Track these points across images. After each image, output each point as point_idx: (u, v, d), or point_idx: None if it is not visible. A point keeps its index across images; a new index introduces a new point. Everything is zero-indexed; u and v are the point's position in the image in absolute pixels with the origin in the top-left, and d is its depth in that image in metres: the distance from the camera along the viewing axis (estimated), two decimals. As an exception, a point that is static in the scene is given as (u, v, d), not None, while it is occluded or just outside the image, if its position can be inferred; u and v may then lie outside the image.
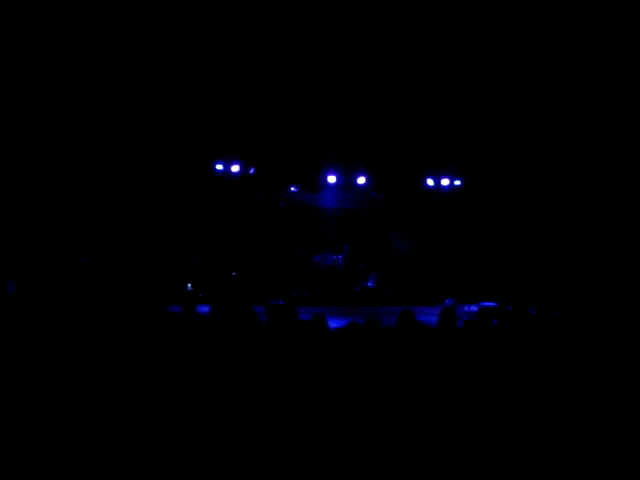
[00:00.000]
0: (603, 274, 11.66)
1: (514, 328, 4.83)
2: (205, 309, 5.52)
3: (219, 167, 13.33)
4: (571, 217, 13.06)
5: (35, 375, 3.76)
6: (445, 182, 14.25)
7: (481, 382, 3.77)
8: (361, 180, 14.15)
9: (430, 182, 14.27)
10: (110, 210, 12.51)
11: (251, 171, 13.68)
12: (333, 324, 4.49)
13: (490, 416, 3.52)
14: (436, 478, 3.23)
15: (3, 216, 11.22)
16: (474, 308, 9.87)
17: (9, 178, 11.41)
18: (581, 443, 3.35)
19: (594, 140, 12.57)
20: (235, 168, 13.37)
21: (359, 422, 3.42)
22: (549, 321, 5.19)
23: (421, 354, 4.10)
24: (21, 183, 11.59)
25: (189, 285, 12.44)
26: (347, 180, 14.17)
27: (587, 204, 12.89)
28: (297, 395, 3.55)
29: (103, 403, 3.55)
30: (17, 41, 10.74)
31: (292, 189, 14.38)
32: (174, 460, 3.24)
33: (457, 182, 14.36)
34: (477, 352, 4.19)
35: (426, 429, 3.43)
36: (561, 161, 13.01)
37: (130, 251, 12.53)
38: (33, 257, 11.06)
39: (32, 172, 11.69)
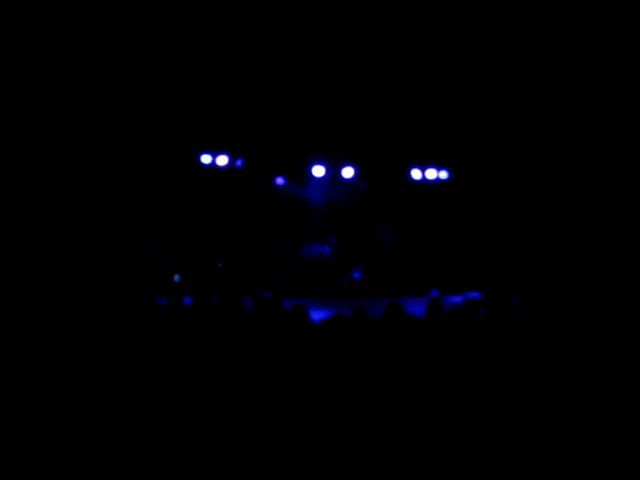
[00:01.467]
0: (588, 264, 11.78)
1: (499, 318, 4.89)
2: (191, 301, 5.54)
3: (206, 159, 13.29)
4: (556, 207, 13.15)
5: (21, 367, 3.76)
6: (431, 173, 14.28)
7: (469, 373, 3.81)
8: (348, 172, 14.16)
9: (416, 173, 14.30)
10: (96, 201, 12.45)
11: (238, 163, 13.65)
12: (319, 315, 4.52)
13: (479, 408, 3.56)
14: (421, 471, 3.26)
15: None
16: (459, 299, 9.94)
17: None
18: (568, 435, 3.38)
19: (582, 130, 12.64)
20: (222, 160, 13.33)
21: (345, 414, 3.44)
22: (531, 310, 5.26)
23: (408, 345, 4.14)
24: (5, 174, 11.50)
25: (176, 277, 12.43)
26: (334, 172, 14.17)
27: (572, 194, 12.98)
28: (282, 387, 3.57)
29: (89, 396, 3.56)
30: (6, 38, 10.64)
31: (279, 181, 14.36)
32: (160, 453, 3.26)
33: (443, 173, 14.40)
34: (464, 343, 4.24)
35: (414, 421, 3.46)
36: (548, 150, 13.08)
37: (116, 243, 12.48)
38: (18, 249, 10.99)
39: (16, 163, 11.60)
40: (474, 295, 9.59)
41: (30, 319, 4.58)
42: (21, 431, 3.27)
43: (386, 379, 3.68)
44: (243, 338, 4.11)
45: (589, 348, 4.09)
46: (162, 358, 3.88)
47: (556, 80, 12.35)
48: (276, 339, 4.01)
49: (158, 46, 11.75)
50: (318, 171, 13.97)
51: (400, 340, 4.20)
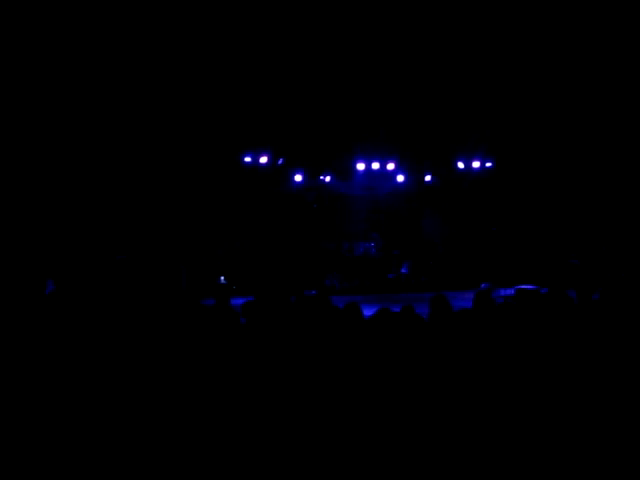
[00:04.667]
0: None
1: (551, 311, 4.72)
2: (239, 302, 5.53)
3: (247, 159, 13.37)
4: (609, 197, 12.74)
5: (72, 371, 3.81)
6: (476, 164, 14.04)
7: (517, 367, 3.70)
8: (391, 166, 14.04)
9: (461, 165, 14.08)
10: (142, 205, 12.65)
11: (280, 162, 13.67)
12: (367, 312, 4.45)
13: (529, 401, 3.45)
14: (466, 466, 3.18)
15: (38, 216, 11.44)
16: (510, 292, 9.73)
17: (44, 176, 11.61)
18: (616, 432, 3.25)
19: (628, 119, 12.24)
20: (264, 159, 13.39)
21: (395, 407, 3.39)
22: (588, 304, 5.07)
23: (456, 338, 4.04)
24: (54, 180, 11.78)
25: (222, 278, 12.53)
26: (379, 167, 14.06)
27: (625, 184, 12.56)
28: (333, 384, 3.53)
29: (141, 398, 3.59)
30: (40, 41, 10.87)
31: (322, 178, 14.33)
32: (200, 449, 3.26)
33: (488, 164, 14.14)
34: (512, 335, 4.11)
35: (466, 412, 3.38)
36: (597, 137, 12.70)
37: (163, 246, 12.66)
38: (69, 256, 11.25)
39: (66, 170, 11.88)
40: (526, 287, 9.38)
41: (83, 323, 4.65)
42: (70, 427, 3.33)
43: (430, 373, 3.61)
44: (290, 337, 4.07)
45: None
46: (210, 359, 3.89)
47: (596, 77, 12.01)
48: (325, 337, 3.96)
49: (202, 50, 11.85)
50: (361, 166, 13.90)
51: (447, 333, 4.10)
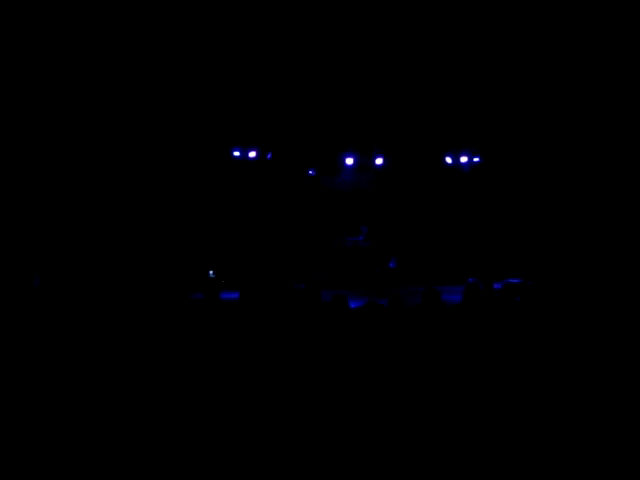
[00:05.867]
0: (627, 253, 11.47)
1: (537, 304, 4.77)
2: (228, 296, 5.54)
3: (236, 153, 13.36)
4: (596, 193, 12.84)
5: (62, 366, 3.80)
6: (464, 159, 14.10)
7: (504, 359, 3.74)
8: (379, 161, 14.07)
9: (449, 160, 14.13)
10: (130, 199, 12.59)
11: (268, 156, 13.67)
12: (355, 305, 4.47)
13: (513, 395, 3.49)
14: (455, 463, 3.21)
15: (25, 211, 11.35)
16: (498, 286, 9.79)
17: (32, 173, 11.52)
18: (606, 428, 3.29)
19: (615, 118, 12.32)
20: (252, 154, 13.40)
21: (384, 401, 3.41)
22: (572, 297, 5.12)
23: (445, 331, 4.07)
24: (40, 176, 11.70)
25: (211, 272, 12.51)
26: (365, 161, 14.09)
27: (612, 180, 12.66)
28: (322, 377, 3.55)
29: (130, 393, 3.58)
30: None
31: (310, 172, 14.34)
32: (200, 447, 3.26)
33: (476, 159, 14.20)
34: (501, 328, 4.15)
35: (451, 406, 3.40)
36: (585, 134, 12.78)
37: (151, 240, 12.62)
38: (56, 249, 11.18)
39: (53, 164, 11.79)
40: (514, 281, 9.44)
41: (70, 317, 4.64)
42: (55, 426, 3.32)
43: (419, 365, 3.64)
44: (282, 330, 4.09)
45: (621, 340, 3.97)
46: (200, 352, 3.89)
47: (584, 72, 12.08)
48: (314, 330, 3.98)
49: (190, 45, 11.80)
50: (349, 161, 13.93)
51: (435, 326, 4.14)
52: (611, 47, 11.67)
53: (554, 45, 11.94)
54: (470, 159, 14.12)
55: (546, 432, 3.25)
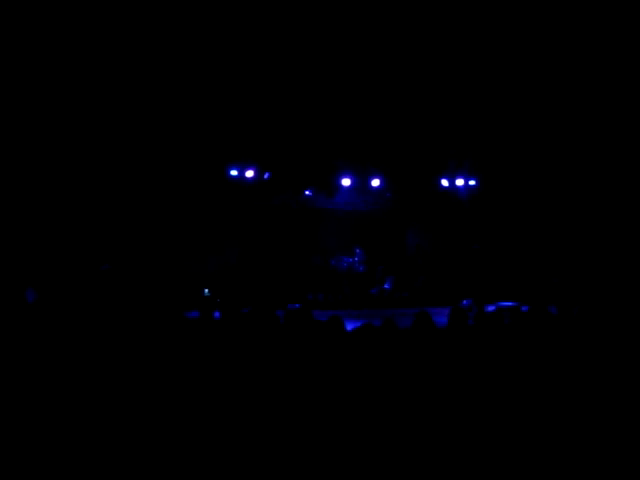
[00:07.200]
0: (623, 273, 11.52)
1: (528, 326, 4.81)
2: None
3: (234, 172, 13.40)
4: (590, 215, 12.93)
5: (56, 382, 3.80)
6: (460, 182, 14.19)
7: (491, 380, 3.76)
8: (375, 182, 14.15)
9: (445, 182, 14.23)
10: (127, 216, 12.62)
11: (266, 176, 13.73)
12: (350, 326, 4.49)
13: (501, 415, 3.50)
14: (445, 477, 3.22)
15: (21, 225, 11.36)
16: (492, 308, 9.83)
17: (27, 185, 11.55)
18: (594, 444, 3.31)
19: (612, 137, 12.44)
20: (250, 173, 13.43)
21: (374, 420, 3.43)
22: (568, 320, 5.15)
23: (432, 354, 4.10)
24: (38, 189, 11.72)
25: (206, 291, 12.51)
26: (362, 183, 14.17)
27: (606, 202, 12.75)
28: (314, 396, 3.56)
29: (124, 409, 3.59)
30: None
31: (307, 193, 14.41)
32: (186, 461, 3.27)
33: (472, 182, 14.29)
34: (487, 350, 4.18)
35: (435, 427, 3.42)
36: (579, 157, 12.89)
37: (147, 258, 12.63)
38: (51, 265, 11.18)
39: (49, 179, 11.82)
40: (507, 304, 9.48)
41: (65, 333, 4.64)
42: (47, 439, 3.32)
43: (410, 386, 3.66)
44: (274, 350, 4.10)
45: (622, 360, 3.99)
46: (193, 371, 3.90)
47: (586, 89, 12.21)
48: (308, 350, 3.99)
49: (189, 62, 11.90)
50: (346, 182, 14.00)
51: (425, 349, 4.17)
52: (607, 72, 11.82)
53: (548, 66, 12.09)
54: (466, 182, 14.21)
55: (537, 452, 3.27)
